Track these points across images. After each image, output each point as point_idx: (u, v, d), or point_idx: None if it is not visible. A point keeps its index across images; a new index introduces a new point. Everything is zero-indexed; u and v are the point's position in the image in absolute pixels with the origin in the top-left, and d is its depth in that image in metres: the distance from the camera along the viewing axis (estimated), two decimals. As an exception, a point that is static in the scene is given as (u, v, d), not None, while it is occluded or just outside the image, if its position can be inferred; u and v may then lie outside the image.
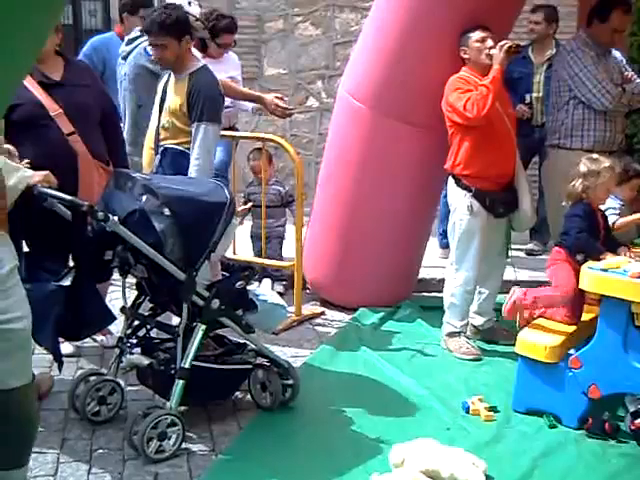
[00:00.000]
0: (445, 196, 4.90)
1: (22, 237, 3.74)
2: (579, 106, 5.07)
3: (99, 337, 4.42)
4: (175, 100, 4.09)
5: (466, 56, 4.47)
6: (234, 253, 5.35)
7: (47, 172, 3.46)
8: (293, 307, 5.01)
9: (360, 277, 5.15)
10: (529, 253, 6.40)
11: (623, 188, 4.52)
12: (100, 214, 3.22)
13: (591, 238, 3.93)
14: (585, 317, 3.94)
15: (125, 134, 4.74)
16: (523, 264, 6.01)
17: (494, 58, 4.33)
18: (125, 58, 5.02)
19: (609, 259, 3.72)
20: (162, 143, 4.14)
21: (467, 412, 3.82)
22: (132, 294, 3.70)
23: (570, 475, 3.31)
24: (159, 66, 4.28)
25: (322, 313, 5.25)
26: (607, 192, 4.10)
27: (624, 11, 5.03)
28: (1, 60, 1.75)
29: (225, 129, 4.80)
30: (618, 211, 4.49)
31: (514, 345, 3.90)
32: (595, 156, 4.16)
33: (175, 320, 3.71)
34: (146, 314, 3.70)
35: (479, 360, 4.49)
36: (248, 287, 3.67)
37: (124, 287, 3.59)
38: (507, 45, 4.29)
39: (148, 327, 3.72)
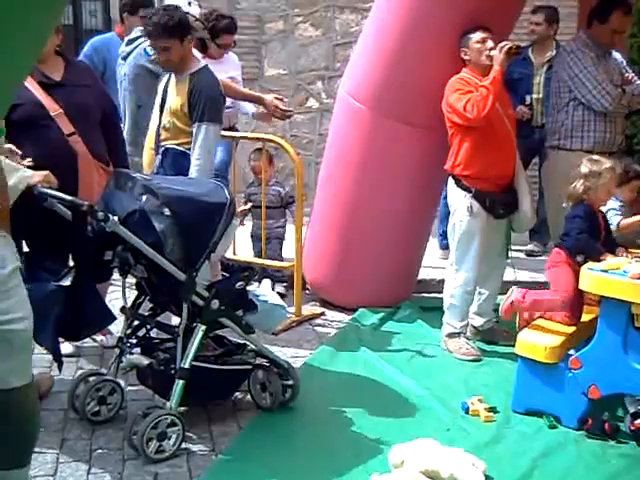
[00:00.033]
0: (445, 197, 4.91)
1: (22, 237, 3.74)
2: (579, 107, 5.07)
3: (99, 337, 4.42)
4: (176, 100, 4.09)
5: (466, 57, 4.48)
6: (234, 253, 5.35)
7: (47, 172, 3.46)
8: (293, 307, 5.02)
9: (360, 277, 5.15)
10: (529, 254, 6.40)
11: (623, 189, 4.52)
12: (100, 214, 3.22)
13: (591, 239, 3.93)
14: (585, 318, 3.94)
15: (125, 134, 4.74)
16: (523, 265, 6.01)
17: (494, 59, 4.33)
18: (125, 58, 5.02)
19: (609, 260, 3.72)
20: (163, 143, 4.15)
21: (467, 413, 3.82)
22: (132, 294, 3.70)
23: (570, 475, 3.31)
24: (161, 68, 4.28)
25: (322, 313, 5.25)
26: (608, 193, 4.10)
27: (624, 12, 5.03)
28: (2, 60, 1.75)
29: (225, 129, 4.80)
30: (620, 212, 4.50)
31: (514, 346, 3.90)
32: (596, 157, 4.17)
33: (175, 320, 3.72)
34: (146, 314, 3.71)
35: (479, 361, 4.49)
36: (248, 287, 3.68)
37: (124, 287, 3.59)
38: (507, 46, 4.30)
39: (148, 327, 3.72)
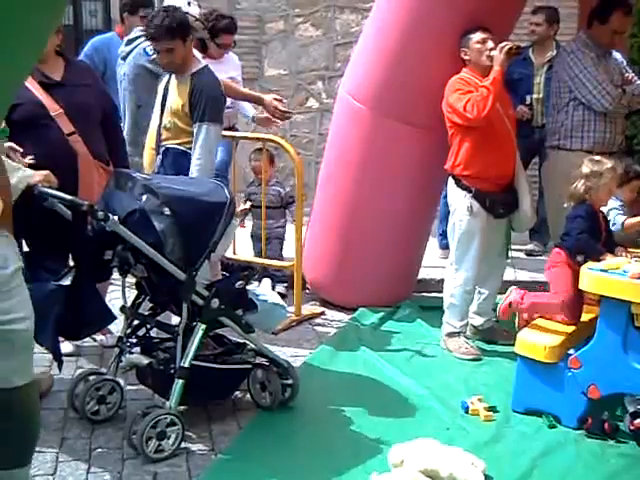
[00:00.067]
0: (445, 196, 4.91)
1: (22, 236, 3.74)
2: (579, 107, 5.08)
3: (99, 336, 4.42)
4: (177, 101, 4.10)
5: (467, 57, 4.48)
6: (234, 253, 5.35)
7: (47, 172, 3.47)
8: (293, 307, 5.02)
9: (360, 277, 5.16)
10: (529, 254, 6.41)
11: (623, 189, 4.52)
12: (100, 214, 3.22)
13: (592, 239, 3.93)
14: (585, 317, 3.94)
15: (125, 134, 4.74)
16: (523, 265, 6.02)
17: (494, 59, 4.33)
18: (125, 58, 5.02)
19: (609, 260, 3.72)
20: (164, 143, 4.15)
21: (466, 412, 3.82)
22: (132, 294, 3.70)
23: (569, 475, 3.32)
24: (164, 69, 4.27)
25: (322, 313, 5.25)
26: (609, 193, 4.10)
27: (624, 13, 5.03)
28: (2, 60, 1.75)
29: (225, 129, 4.80)
30: (622, 211, 4.50)
31: (513, 345, 3.91)
32: (597, 158, 4.17)
33: (175, 320, 3.72)
34: (146, 314, 3.71)
35: (478, 360, 4.49)
36: (248, 287, 3.68)
37: (124, 287, 3.60)
38: (507, 46, 4.30)
39: (148, 326, 3.72)
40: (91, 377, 3.69)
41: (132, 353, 3.61)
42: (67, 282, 3.40)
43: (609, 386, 3.57)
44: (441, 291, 4.75)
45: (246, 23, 7.47)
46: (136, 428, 3.32)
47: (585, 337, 3.80)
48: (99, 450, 3.41)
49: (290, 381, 3.79)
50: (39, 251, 3.79)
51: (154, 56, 4.54)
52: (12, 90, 2.04)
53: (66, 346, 4.14)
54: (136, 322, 3.69)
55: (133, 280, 3.68)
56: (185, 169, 4.02)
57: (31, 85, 3.82)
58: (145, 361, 3.54)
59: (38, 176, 3.36)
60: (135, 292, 3.69)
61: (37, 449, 3.11)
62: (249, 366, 3.76)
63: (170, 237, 3.30)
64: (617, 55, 5.26)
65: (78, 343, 4.30)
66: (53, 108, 3.87)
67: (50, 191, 3.37)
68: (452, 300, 4.59)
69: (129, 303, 3.66)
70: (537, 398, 3.79)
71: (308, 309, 5.25)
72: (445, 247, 5.80)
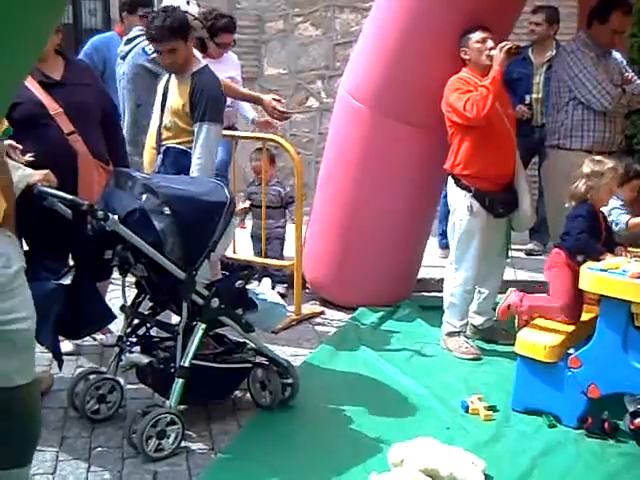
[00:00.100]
0: (445, 196, 4.91)
1: (22, 236, 3.74)
2: (579, 107, 5.08)
3: (99, 336, 4.42)
4: (178, 100, 4.10)
5: (466, 57, 4.48)
6: (234, 252, 5.35)
7: (47, 171, 3.47)
8: (293, 306, 5.02)
9: (360, 277, 5.16)
10: (529, 253, 6.41)
11: (624, 189, 4.52)
12: (100, 213, 3.22)
13: (592, 239, 3.93)
14: (584, 317, 3.94)
15: (124, 133, 4.74)
16: (523, 264, 6.01)
17: (494, 59, 4.33)
18: (124, 58, 5.02)
19: (608, 259, 3.72)
20: (164, 143, 4.15)
21: (466, 411, 3.82)
22: (132, 293, 3.70)
23: (569, 474, 3.32)
24: (165, 70, 4.26)
25: (322, 312, 5.25)
26: (610, 193, 4.10)
27: (624, 12, 5.03)
28: (2, 60, 1.75)
29: (225, 129, 4.80)
30: (624, 210, 4.50)
31: (513, 344, 3.90)
32: (598, 158, 4.17)
33: (175, 319, 3.72)
34: (146, 313, 3.71)
35: (478, 360, 4.49)
36: (248, 286, 3.68)
37: (124, 286, 3.60)
38: (507, 46, 4.30)
39: (148, 326, 3.72)
40: (91, 376, 3.69)
41: (132, 352, 3.61)
42: (67, 281, 3.40)
43: (609, 386, 3.57)
44: (441, 291, 4.76)
45: (246, 22, 7.47)
46: (136, 427, 3.32)
47: (585, 336, 3.80)
48: (99, 449, 3.41)
49: (290, 380, 3.79)
50: (39, 250, 3.78)
51: (153, 55, 4.54)
52: (12, 89, 2.03)
53: (66, 345, 4.14)
54: (136, 321, 3.69)
55: (133, 279, 3.68)
56: (186, 168, 4.02)
57: (31, 84, 3.82)
58: (145, 360, 3.54)
59: (38, 175, 3.36)
60: (135, 291, 3.69)
61: (37, 448, 3.11)
62: (249, 365, 3.76)
63: (170, 236, 3.30)
64: (617, 55, 5.26)
65: (78, 342, 4.30)
66: (53, 107, 3.87)
67: (50, 190, 3.37)
68: (452, 299, 4.59)
69: (129, 302, 3.66)
70: (537, 397, 3.79)
71: (308, 308, 5.25)
72: (445, 247, 5.80)
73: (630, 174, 4.58)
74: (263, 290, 3.98)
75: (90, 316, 3.54)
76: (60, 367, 3.49)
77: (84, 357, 4.33)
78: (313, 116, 7.96)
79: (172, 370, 3.42)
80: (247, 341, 3.77)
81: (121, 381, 3.70)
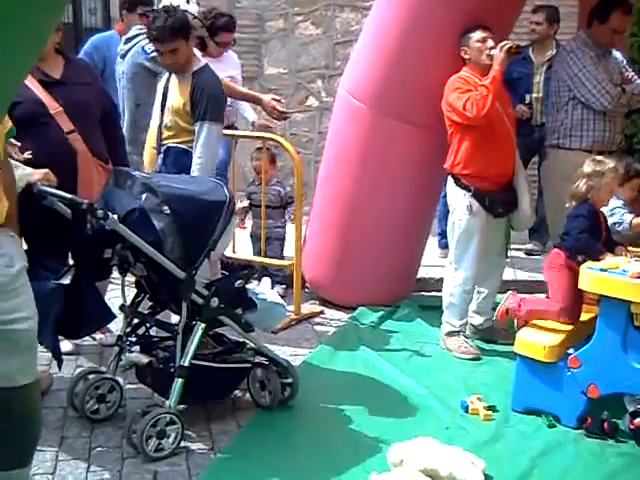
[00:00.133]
0: (444, 196, 4.91)
1: (21, 235, 3.73)
2: (578, 106, 5.08)
3: (98, 335, 4.42)
4: (178, 100, 4.09)
5: (466, 56, 4.48)
6: (234, 252, 5.35)
7: (47, 170, 3.46)
8: (292, 306, 5.02)
9: (359, 276, 5.16)
10: (528, 253, 6.41)
11: (624, 188, 4.52)
12: (99, 212, 3.22)
13: (592, 239, 3.92)
14: (584, 317, 3.94)
15: (124, 132, 4.74)
16: (522, 264, 6.02)
17: (494, 58, 4.33)
18: (123, 57, 5.02)
19: (608, 259, 3.72)
20: (165, 142, 4.15)
21: (466, 411, 3.82)
22: (131, 292, 3.70)
23: (569, 474, 3.32)
24: (167, 70, 4.25)
25: (321, 312, 5.25)
26: (611, 193, 4.10)
27: (624, 12, 5.04)
28: (2, 60, 1.75)
29: (224, 128, 4.80)
30: (626, 210, 4.50)
31: (513, 344, 3.90)
32: (599, 157, 4.17)
33: (174, 318, 3.72)
34: (145, 312, 3.71)
35: (478, 359, 4.49)
36: (247, 286, 3.68)
37: (123, 285, 3.59)
38: (507, 45, 4.30)
39: (147, 325, 3.72)
40: (91, 376, 3.68)
41: (132, 352, 3.61)
42: (67, 281, 3.40)
43: (609, 386, 3.57)
44: (440, 290, 4.75)
45: (246, 21, 7.46)
46: (136, 427, 3.32)
47: (585, 336, 3.80)
48: (99, 449, 3.41)
49: (290, 380, 3.79)
50: (38, 250, 3.76)
51: (152, 54, 4.54)
52: (12, 89, 2.03)
53: (66, 345, 4.14)
54: (136, 321, 3.69)
55: (133, 279, 3.68)
56: (187, 168, 4.02)
57: (31, 83, 3.81)
58: (145, 360, 3.54)
59: (37, 174, 3.36)
60: (135, 291, 3.69)
61: (37, 448, 3.12)
62: (249, 365, 3.76)
63: (170, 236, 3.30)
64: (617, 54, 5.26)
65: (78, 342, 4.30)
66: (53, 106, 3.87)
67: (49, 189, 3.37)
68: (451, 299, 4.59)
69: (129, 302, 3.65)
70: (536, 397, 3.78)
71: (307, 308, 5.24)
72: (444, 246, 5.79)
73: (630, 173, 4.58)
74: (263, 290, 3.98)
75: (90, 315, 3.54)
76: (60, 367, 3.48)
77: (83, 357, 4.33)
78: (313, 115, 7.95)
79: (172, 370, 3.42)
80: (247, 341, 3.77)
81: (121, 381, 3.70)
